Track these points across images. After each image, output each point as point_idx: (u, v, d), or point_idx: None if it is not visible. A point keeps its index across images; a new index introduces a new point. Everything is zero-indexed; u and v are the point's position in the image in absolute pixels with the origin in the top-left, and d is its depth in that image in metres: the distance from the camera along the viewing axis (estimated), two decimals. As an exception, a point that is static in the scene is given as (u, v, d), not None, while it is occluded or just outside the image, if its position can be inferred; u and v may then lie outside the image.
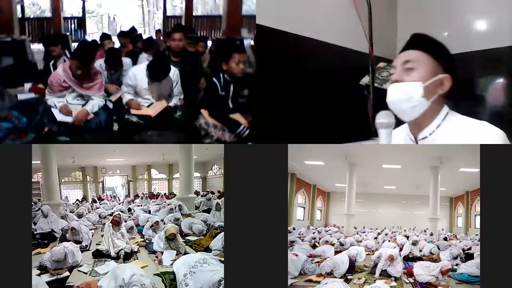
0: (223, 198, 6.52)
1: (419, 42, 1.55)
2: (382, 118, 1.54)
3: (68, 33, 9.09)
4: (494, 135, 1.42)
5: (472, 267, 3.36)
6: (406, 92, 1.48)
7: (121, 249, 3.61)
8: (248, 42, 5.58)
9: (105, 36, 5.14)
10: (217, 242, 3.67)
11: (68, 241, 3.89)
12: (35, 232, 4.37)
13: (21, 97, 3.50)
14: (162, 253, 3.54)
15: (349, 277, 3.40)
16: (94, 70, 3.45)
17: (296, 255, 3.59)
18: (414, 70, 1.50)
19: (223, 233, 3.78)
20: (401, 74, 1.51)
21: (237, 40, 5.94)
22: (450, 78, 1.49)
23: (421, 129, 1.55)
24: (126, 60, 4.22)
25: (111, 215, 6.12)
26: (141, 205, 7.63)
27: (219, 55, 3.73)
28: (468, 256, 4.27)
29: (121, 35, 5.33)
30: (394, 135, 1.60)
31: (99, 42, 4.99)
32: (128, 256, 3.60)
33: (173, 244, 3.57)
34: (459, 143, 1.45)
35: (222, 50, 4.62)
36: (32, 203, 6.17)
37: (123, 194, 10.79)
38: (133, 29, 5.60)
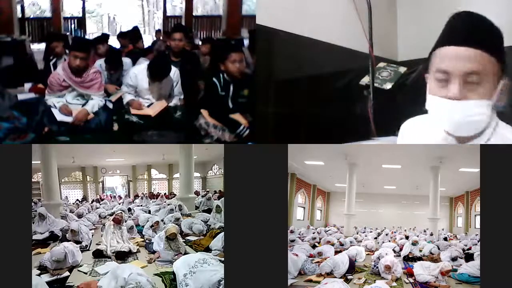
0: (222, 198, 6.53)
1: (476, 34, 1.17)
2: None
3: (68, 33, 9.08)
4: None
5: (473, 268, 3.36)
6: (473, 114, 1.19)
7: (118, 250, 3.62)
8: (247, 42, 5.58)
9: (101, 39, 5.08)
10: (217, 242, 3.67)
11: (68, 241, 3.89)
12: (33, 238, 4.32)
13: (21, 97, 3.51)
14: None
15: (349, 277, 3.40)
16: (94, 69, 3.45)
17: (296, 255, 3.59)
18: (480, 84, 1.17)
19: (223, 233, 3.78)
20: (462, 89, 1.16)
21: (233, 40, 5.94)
22: (508, 83, 1.25)
23: (469, 140, 1.28)
24: (126, 60, 4.22)
25: (111, 215, 6.15)
26: (141, 205, 7.63)
27: (217, 56, 3.73)
28: (468, 256, 4.27)
29: (121, 35, 5.32)
30: (425, 131, 1.35)
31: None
32: (125, 256, 3.60)
33: (173, 244, 3.57)
34: None
35: (219, 50, 4.62)
36: (32, 203, 6.17)
37: (123, 194, 10.78)
38: (135, 29, 5.58)
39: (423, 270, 3.35)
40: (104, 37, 4.90)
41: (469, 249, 5.01)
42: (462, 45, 1.17)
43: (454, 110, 1.19)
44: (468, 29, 1.19)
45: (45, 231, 4.42)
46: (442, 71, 1.19)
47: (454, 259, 3.97)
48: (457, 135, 1.28)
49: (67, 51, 4.37)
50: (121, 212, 4.17)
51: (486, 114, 1.21)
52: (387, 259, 3.52)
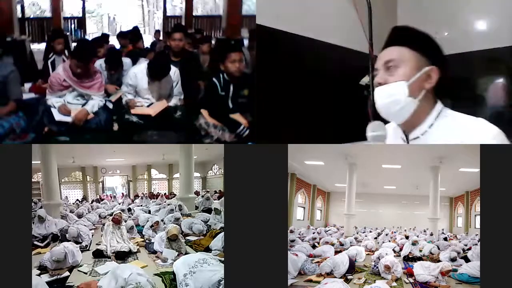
0: (222, 199, 6.54)
1: (400, 36, 1.45)
2: (373, 131, 1.47)
3: (68, 33, 9.08)
4: (491, 132, 1.33)
5: (474, 269, 3.36)
6: (391, 94, 1.40)
7: (118, 250, 3.62)
8: (247, 42, 5.58)
9: (103, 39, 5.09)
10: (217, 242, 3.67)
11: (68, 241, 3.89)
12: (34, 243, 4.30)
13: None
14: (161, 253, 3.55)
15: (349, 277, 3.40)
16: (94, 69, 3.45)
17: (296, 255, 3.60)
18: (397, 68, 1.40)
19: (223, 233, 3.78)
20: (384, 76, 1.42)
21: (233, 40, 5.94)
22: (437, 69, 1.39)
23: (413, 128, 1.46)
24: (126, 60, 4.22)
25: (111, 215, 6.15)
26: (141, 205, 7.63)
27: (217, 56, 3.74)
28: (465, 258, 4.26)
29: (121, 35, 5.33)
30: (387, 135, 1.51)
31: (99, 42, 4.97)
32: (125, 256, 3.60)
33: (175, 245, 3.57)
34: (454, 142, 1.37)
35: (219, 50, 4.62)
36: (32, 203, 6.17)
37: (121, 194, 10.78)
38: (135, 29, 5.58)
39: (423, 270, 3.34)
40: (104, 39, 4.91)
41: (469, 249, 5.01)
42: (385, 47, 1.46)
43: (379, 94, 1.44)
44: (390, 36, 1.48)
45: (46, 234, 4.38)
46: (375, 69, 1.48)
47: (453, 259, 3.97)
48: (392, 120, 1.49)
49: (66, 51, 4.39)
50: (120, 212, 4.17)
51: (402, 92, 1.39)
52: (387, 259, 3.52)
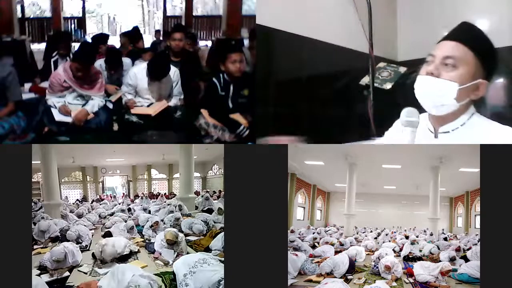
0: (222, 200, 6.54)
1: (467, 35, 1.41)
2: (410, 116, 1.44)
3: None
4: None
5: (472, 268, 3.36)
6: (440, 90, 1.38)
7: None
8: (247, 42, 5.58)
9: (101, 39, 5.07)
10: (217, 242, 3.67)
11: (68, 241, 3.89)
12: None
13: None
14: (160, 253, 3.54)
15: (349, 277, 3.40)
16: (95, 70, 3.45)
17: (296, 255, 3.59)
18: (455, 68, 1.37)
19: (223, 233, 3.78)
20: (439, 68, 1.39)
21: (233, 40, 5.94)
22: (486, 84, 1.40)
23: (444, 122, 1.46)
24: (126, 60, 4.22)
25: (111, 215, 6.15)
26: (141, 205, 7.63)
27: (218, 56, 3.74)
28: (464, 258, 4.26)
29: (122, 35, 5.32)
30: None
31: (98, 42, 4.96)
32: (125, 256, 3.59)
33: (176, 248, 3.56)
34: (480, 143, 1.43)
35: (219, 50, 4.62)
36: (32, 203, 6.16)
37: (120, 194, 10.78)
38: (135, 29, 5.59)
39: (423, 270, 3.34)
40: (103, 38, 4.90)
41: (469, 249, 5.01)
42: (451, 40, 1.41)
43: (426, 83, 1.41)
44: (459, 31, 1.44)
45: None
46: (431, 55, 1.44)
47: (452, 259, 3.96)
48: (426, 109, 1.47)
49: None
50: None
51: (451, 93, 1.37)
52: (387, 259, 3.52)
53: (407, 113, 1.46)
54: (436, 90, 1.39)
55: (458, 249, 4.45)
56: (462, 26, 1.44)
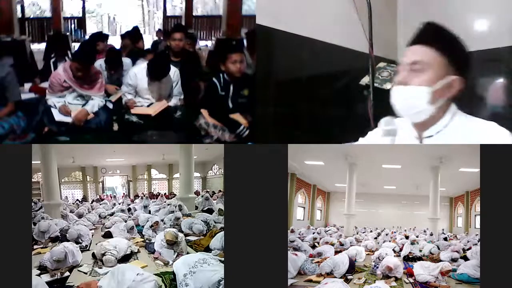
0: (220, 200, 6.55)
1: (431, 35, 1.40)
2: (387, 125, 1.46)
3: (68, 33, 9.09)
4: (502, 136, 1.35)
5: (470, 268, 3.35)
6: (412, 97, 1.37)
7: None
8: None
9: (99, 37, 5.06)
10: (216, 241, 3.67)
11: (68, 241, 3.89)
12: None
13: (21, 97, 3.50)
14: (160, 254, 3.54)
15: (349, 277, 3.40)
16: (95, 70, 3.46)
17: (296, 254, 3.59)
18: (422, 72, 1.36)
19: (222, 232, 3.78)
20: (407, 76, 1.38)
21: (234, 40, 5.95)
22: (460, 80, 1.38)
23: (426, 127, 1.45)
24: (126, 60, 4.22)
25: (111, 215, 6.15)
26: (141, 204, 7.62)
27: (218, 56, 3.74)
28: (467, 258, 4.26)
29: (123, 36, 5.33)
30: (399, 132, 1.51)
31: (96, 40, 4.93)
32: (125, 257, 3.59)
33: (176, 248, 3.56)
34: (467, 143, 1.39)
35: (219, 50, 4.62)
36: (32, 203, 6.16)
37: (120, 194, 10.78)
38: (135, 29, 5.58)
39: (423, 270, 3.34)
40: (101, 36, 4.90)
41: (469, 249, 5.01)
42: (415, 44, 1.42)
43: (398, 93, 1.41)
44: (422, 32, 1.43)
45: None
46: (398, 64, 1.46)
47: (454, 259, 3.96)
48: (402, 116, 1.47)
49: (69, 52, 4.39)
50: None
51: (423, 98, 1.37)
52: (390, 261, 3.48)
53: (384, 123, 1.48)
54: (408, 98, 1.39)
55: (458, 251, 4.44)
56: (423, 27, 1.43)
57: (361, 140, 1.74)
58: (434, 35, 1.40)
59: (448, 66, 1.38)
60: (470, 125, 1.41)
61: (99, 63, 4.00)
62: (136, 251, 3.80)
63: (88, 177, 10.83)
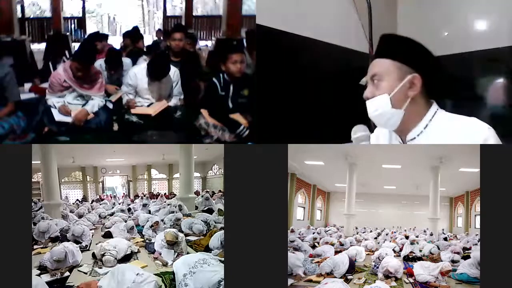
0: (223, 201, 6.53)
1: (385, 47, 1.48)
2: (355, 133, 1.55)
3: (68, 33, 9.09)
4: (483, 131, 1.37)
5: (467, 267, 3.35)
6: (376, 108, 1.45)
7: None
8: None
9: (97, 37, 5.05)
10: (215, 240, 3.66)
11: (68, 241, 3.89)
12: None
13: (21, 97, 3.50)
14: (160, 253, 3.54)
15: (349, 277, 3.40)
16: (95, 70, 3.45)
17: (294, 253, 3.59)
18: (381, 82, 1.45)
19: (220, 231, 3.78)
20: (371, 89, 1.47)
21: (234, 40, 5.95)
22: (419, 76, 1.41)
23: (406, 132, 1.49)
24: (126, 60, 4.22)
25: (111, 215, 6.15)
26: (141, 203, 7.62)
27: (218, 56, 3.74)
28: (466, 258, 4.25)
29: (124, 36, 5.32)
30: (380, 137, 1.59)
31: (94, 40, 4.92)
32: (125, 256, 3.59)
33: (176, 248, 3.56)
34: (449, 141, 1.41)
35: (220, 50, 4.62)
36: (32, 203, 6.17)
37: (121, 194, 10.78)
38: (135, 29, 5.58)
39: (423, 270, 3.34)
40: (99, 36, 4.89)
41: (469, 249, 5.01)
42: (372, 59, 1.52)
43: (368, 108, 1.49)
44: (378, 47, 1.52)
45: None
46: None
47: (454, 261, 3.96)
48: (380, 127, 1.55)
49: (66, 52, 4.39)
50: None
51: (386, 105, 1.43)
52: (390, 265, 3.44)
53: (353, 131, 1.56)
54: (376, 110, 1.45)
55: (458, 252, 4.44)
56: (378, 42, 1.51)
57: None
58: (385, 46, 1.49)
59: (404, 69, 1.43)
60: (450, 123, 1.43)
61: (99, 63, 4.00)
62: (136, 251, 3.81)
63: (88, 177, 10.84)
